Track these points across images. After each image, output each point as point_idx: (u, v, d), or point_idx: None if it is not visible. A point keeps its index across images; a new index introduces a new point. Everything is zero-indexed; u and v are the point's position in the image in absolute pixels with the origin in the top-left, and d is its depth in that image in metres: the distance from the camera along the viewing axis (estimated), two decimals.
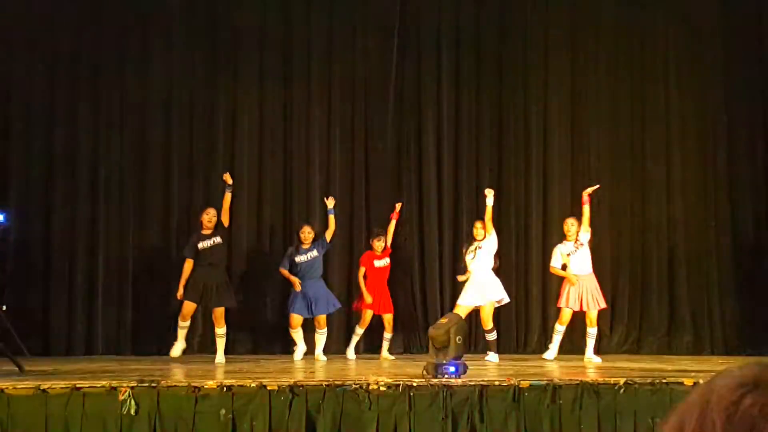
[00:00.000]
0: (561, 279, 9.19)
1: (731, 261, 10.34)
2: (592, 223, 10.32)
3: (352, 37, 10.64)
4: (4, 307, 7.67)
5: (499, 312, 10.29)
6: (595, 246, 10.32)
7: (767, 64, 10.46)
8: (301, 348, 9.22)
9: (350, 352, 9.44)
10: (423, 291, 10.38)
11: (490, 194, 9.05)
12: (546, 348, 9.38)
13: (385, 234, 9.55)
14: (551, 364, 8.54)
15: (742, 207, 10.42)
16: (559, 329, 9.05)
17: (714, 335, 10.21)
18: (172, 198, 10.26)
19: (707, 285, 10.32)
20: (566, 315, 8.97)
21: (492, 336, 9.09)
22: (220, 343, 8.94)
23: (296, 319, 9.20)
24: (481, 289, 8.96)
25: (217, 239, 8.97)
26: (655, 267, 10.40)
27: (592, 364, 8.46)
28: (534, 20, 10.68)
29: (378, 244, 9.44)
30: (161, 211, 10.25)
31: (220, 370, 7.72)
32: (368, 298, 9.29)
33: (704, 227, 10.41)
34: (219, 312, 8.92)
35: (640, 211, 10.49)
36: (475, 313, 9.40)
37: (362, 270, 9.46)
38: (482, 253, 8.98)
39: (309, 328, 9.50)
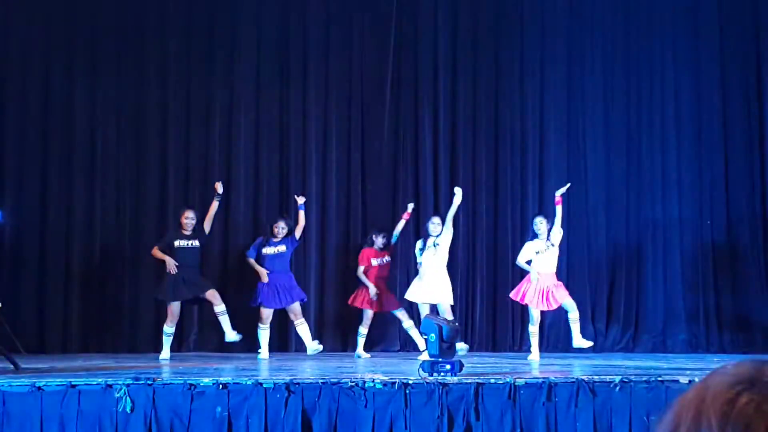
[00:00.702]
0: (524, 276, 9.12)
1: (727, 259, 10.35)
2: (589, 220, 10.35)
3: (348, 34, 10.63)
4: (0, 305, 7.65)
5: (495, 310, 10.31)
6: (590, 244, 10.36)
7: (764, 62, 10.48)
8: (265, 353, 9.04)
9: (361, 351, 9.27)
10: None
11: (458, 193, 9.02)
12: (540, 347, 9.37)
13: (389, 233, 9.44)
14: (547, 361, 8.53)
15: (738, 206, 10.43)
16: (533, 331, 8.92)
17: (709, 333, 10.22)
18: (169, 196, 10.25)
19: (703, 283, 10.33)
20: (536, 315, 8.87)
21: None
22: (224, 320, 8.93)
23: (266, 312, 9.09)
24: (438, 287, 8.90)
25: (195, 242, 9.02)
26: (650, 265, 10.41)
27: (583, 346, 8.54)
28: (530, 18, 10.68)
29: (380, 240, 9.36)
30: (157, 209, 10.24)
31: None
32: (372, 290, 9.18)
33: (700, 226, 10.42)
34: (211, 293, 8.94)
35: (635, 209, 10.49)
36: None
37: (361, 268, 9.35)
38: (440, 250, 8.93)
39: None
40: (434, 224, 9.02)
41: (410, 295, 9.12)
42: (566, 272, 10.00)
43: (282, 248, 9.23)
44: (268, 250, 9.23)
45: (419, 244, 9.16)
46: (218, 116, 10.40)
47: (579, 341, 8.86)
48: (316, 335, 9.49)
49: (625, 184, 10.51)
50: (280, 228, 9.25)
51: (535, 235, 8.98)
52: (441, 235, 8.95)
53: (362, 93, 10.56)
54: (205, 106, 10.40)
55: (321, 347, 9.08)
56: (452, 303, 9.07)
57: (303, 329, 9.17)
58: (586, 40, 10.71)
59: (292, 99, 10.50)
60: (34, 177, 10.04)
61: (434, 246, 8.93)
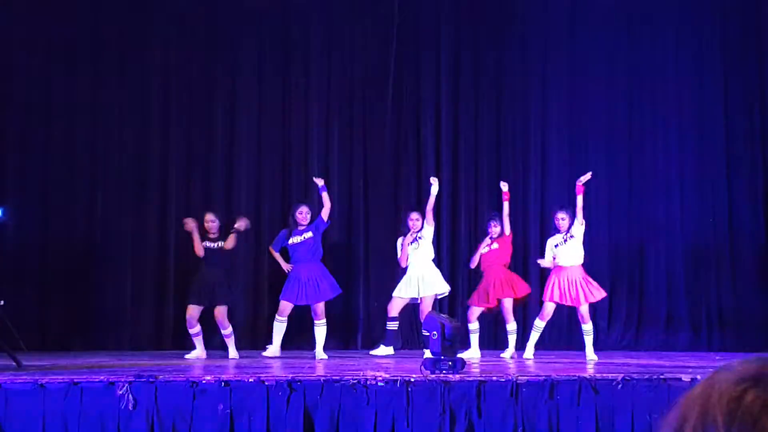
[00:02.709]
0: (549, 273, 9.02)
1: (729, 257, 10.35)
2: (591, 219, 10.32)
3: (350, 33, 10.63)
4: (2, 302, 7.65)
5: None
6: (593, 242, 10.33)
7: (766, 62, 10.47)
8: (274, 348, 8.72)
9: (475, 350, 8.98)
10: None
11: (435, 183, 8.87)
12: (542, 344, 9.33)
13: (501, 218, 9.09)
14: (549, 359, 8.49)
15: (741, 204, 10.42)
16: (539, 325, 8.68)
17: (712, 331, 10.22)
18: (170, 194, 10.27)
19: (705, 281, 10.33)
20: (549, 309, 8.61)
21: None
22: (230, 342, 8.73)
23: (284, 305, 8.73)
24: (423, 281, 8.76)
25: (221, 243, 8.82)
26: (653, 263, 10.41)
27: (592, 362, 8.28)
28: (533, 18, 10.67)
29: (493, 229, 9.04)
30: (159, 206, 10.26)
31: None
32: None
33: (703, 224, 10.41)
34: (218, 312, 8.71)
35: (638, 208, 10.49)
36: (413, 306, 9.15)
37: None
38: (423, 244, 8.82)
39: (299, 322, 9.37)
40: (413, 219, 8.87)
41: (398, 291, 8.93)
42: None
43: (308, 235, 8.78)
44: (294, 240, 8.80)
45: (400, 240, 8.96)
46: (220, 117, 10.42)
47: (592, 356, 8.50)
48: None
49: (627, 184, 10.50)
50: (304, 213, 8.82)
51: (556, 231, 8.69)
52: (422, 229, 8.84)
53: (364, 93, 10.57)
54: (207, 107, 10.42)
55: (326, 357, 8.65)
56: (444, 292, 8.95)
57: (320, 332, 8.76)
58: (588, 41, 10.70)
59: (293, 100, 10.51)
60: (36, 175, 10.05)
61: (417, 240, 8.81)
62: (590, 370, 6.80)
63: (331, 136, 10.52)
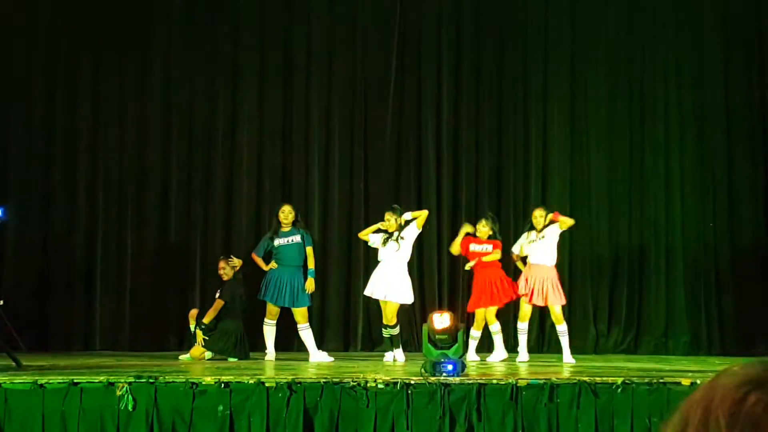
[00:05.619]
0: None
1: (729, 261, 10.33)
2: (592, 221, 10.32)
3: (352, 34, 10.64)
4: (2, 302, 7.65)
5: (498, 311, 10.29)
6: (593, 245, 10.33)
7: (767, 64, 10.47)
8: (270, 352, 8.63)
9: (471, 354, 8.68)
10: (421, 289, 10.32)
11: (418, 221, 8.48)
12: (541, 347, 9.31)
13: (492, 218, 8.86)
14: (549, 362, 8.49)
15: (741, 207, 10.41)
16: (522, 327, 8.63)
17: (711, 335, 10.20)
18: (171, 195, 10.28)
19: (705, 285, 10.31)
20: (526, 311, 8.56)
21: (396, 330, 8.49)
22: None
23: (271, 307, 8.59)
24: (392, 286, 8.32)
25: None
26: (653, 266, 10.39)
27: (570, 366, 8.08)
28: (534, 19, 10.67)
29: (482, 230, 8.75)
30: (159, 208, 10.26)
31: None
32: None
33: (702, 227, 10.41)
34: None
35: (638, 211, 10.48)
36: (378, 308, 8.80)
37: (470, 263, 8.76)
38: (404, 245, 8.35)
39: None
40: (389, 220, 8.43)
41: (367, 290, 8.57)
42: (569, 273, 10.00)
43: (297, 239, 8.60)
44: (279, 242, 8.63)
45: (381, 237, 8.46)
46: (221, 117, 10.41)
47: (568, 359, 8.40)
48: (318, 335, 9.26)
49: (628, 186, 10.49)
50: (286, 213, 8.64)
51: (532, 227, 8.64)
52: (406, 228, 8.38)
53: (365, 92, 10.57)
54: (208, 106, 10.41)
55: (331, 359, 8.43)
56: (409, 302, 8.62)
57: (306, 336, 8.63)
58: (589, 42, 10.70)
59: (295, 98, 10.51)
60: (38, 174, 10.07)
61: (398, 241, 8.33)
62: (590, 374, 6.78)
63: (332, 136, 10.52)
